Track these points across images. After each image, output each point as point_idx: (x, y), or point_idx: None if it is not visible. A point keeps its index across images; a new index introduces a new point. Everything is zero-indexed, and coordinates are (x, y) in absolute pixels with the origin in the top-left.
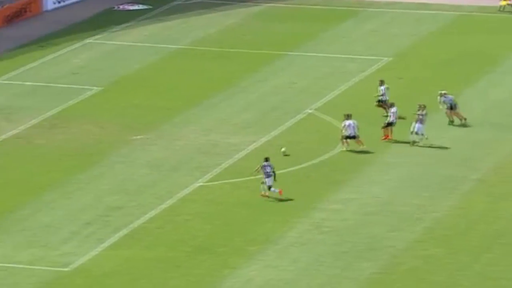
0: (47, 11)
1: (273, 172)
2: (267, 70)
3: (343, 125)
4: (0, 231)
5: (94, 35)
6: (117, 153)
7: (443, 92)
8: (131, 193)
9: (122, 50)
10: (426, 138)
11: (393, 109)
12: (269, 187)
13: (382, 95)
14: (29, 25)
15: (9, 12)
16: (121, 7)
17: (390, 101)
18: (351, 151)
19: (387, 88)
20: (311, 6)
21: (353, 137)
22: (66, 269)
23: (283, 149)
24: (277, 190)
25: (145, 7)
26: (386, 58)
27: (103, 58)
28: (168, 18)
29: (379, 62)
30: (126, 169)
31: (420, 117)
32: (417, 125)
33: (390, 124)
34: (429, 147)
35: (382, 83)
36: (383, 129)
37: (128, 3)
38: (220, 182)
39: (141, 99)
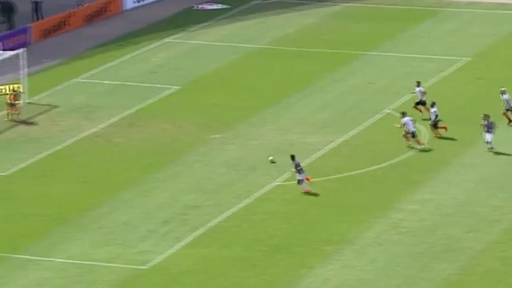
0: (126, 10)
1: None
2: (344, 69)
3: (403, 123)
4: (79, 229)
5: (173, 34)
6: (195, 152)
7: (502, 89)
8: (208, 192)
9: (200, 49)
10: (491, 148)
11: (433, 109)
12: (299, 181)
13: (422, 94)
14: (109, 24)
15: (89, 11)
16: (199, 6)
17: (432, 100)
18: (427, 151)
19: (424, 92)
20: (389, 6)
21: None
22: (143, 267)
23: (270, 157)
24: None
25: (223, 6)
26: (465, 58)
27: (181, 57)
28: (247, 17)
29: (458, 62)
30: (203, 168)
31: (486, 127)
32: (487, 135)
33: (435, 124)
34: (506, 149)
35: (419, 84)
36: (433, 130)
37: (207, 2)
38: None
39: (219, 99)
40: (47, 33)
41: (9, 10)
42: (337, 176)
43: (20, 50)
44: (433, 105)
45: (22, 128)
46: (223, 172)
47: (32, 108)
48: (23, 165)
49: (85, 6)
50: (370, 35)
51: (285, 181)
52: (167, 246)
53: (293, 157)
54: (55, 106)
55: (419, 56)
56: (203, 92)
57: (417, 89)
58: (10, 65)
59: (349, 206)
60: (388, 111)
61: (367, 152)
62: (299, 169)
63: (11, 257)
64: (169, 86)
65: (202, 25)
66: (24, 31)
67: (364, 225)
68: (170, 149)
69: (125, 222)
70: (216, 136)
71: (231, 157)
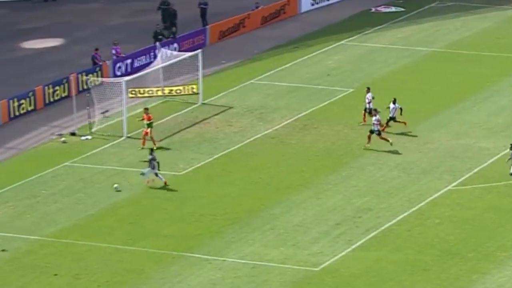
0: (302, 12)
1: (157, 162)
2: None
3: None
4: (251, 229)
5: (348, 37)
6: (368, 155)
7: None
8: (380, 195)
9: (375, 52)
10: None
11: (375, 118)
12: (143, 174)
13: (368, 102)
14: (284, 26)
15: (266, 13)
16: (375, 9)
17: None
18: None
19: (373, 97)
20: None
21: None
22: (315, 269)
23: (115, 185)
24: (163, 179)
25: (399, 9)
26: None
27: (356, 60)
28: (422, 20)
29: None
30: (376, 171)
31: None
32: None
33: (372, 132)
34: None
35: (368, 90)
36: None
37: (383, 5)
38: (470, 186)
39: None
40: (223, 34)
41: (172, 16)
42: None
43: (197, 52)
44: (375, 113)
45: (197, 128)
46: (396, 175)
47: (208, 109)
48: (198, 165)
49: (262, 8)
50: None
51: (458, 185)
52: (339, 248)
53: (151, 151)
54: (230, 107)
55: None
56: (377, 95)
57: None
58: (187, 66)
59: None
60: None
61: None
62: (153, 164)
63: (185, 255)
64: (342, 89)
65: (377, 28)
66: (201, 32)
67: None
68: (343, 151)
69: (297, 223)
70: (389, 139)
71: (404, 160)
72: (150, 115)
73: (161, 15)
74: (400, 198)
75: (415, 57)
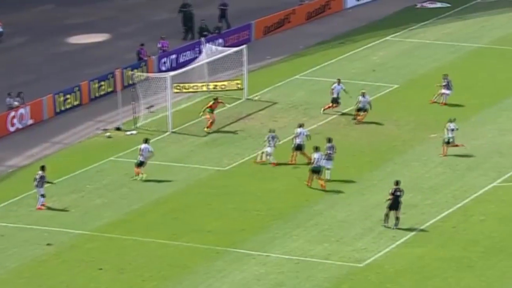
0: (347, 8)
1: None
2: None
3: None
4: (295, 225)
5: (393, 33)
6: (412, 151)
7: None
8: (425, 191)
9: (420, 48)
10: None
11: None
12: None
13: (337, 94)
14: (329, 22)
15: (311, 8)
16: (420, 5)
17: None
18: None
19: (343, 89)
20: None
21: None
22: (359, 265)
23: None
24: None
25: (445, 5)
26: None
27: (401, 55)
28: (468, 16)
29: None
30: (420, 167)
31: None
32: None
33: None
34: None
35: (339, 82)
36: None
37: (428, 1)
38: None
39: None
40: (268, 30)
41: (189, 19)
42: None
43: (242, 47)
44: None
45: (242, 124)
46: (441, 171)
47: (252, 105)
48: (242, 160)
49: (307, 4)
50: None
51: (503, 182)
52: (383, 244)
53: (42, 168)
54: (274, 103)
55: None
56: (422, 91)
57: (338, 86)
58: (232, 62)
59: None
60: None
61: None
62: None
63: (229, 251)
64: (387, 85)
65: (422, 23)
66: (246, 28)
67: None
68: (388, 148)
69: (341, 219)
70: (434, 135)
71: (450, 156)
72: (217, 103)
73: (181, 17)
74: (445, 195)
75: (461, 53)
